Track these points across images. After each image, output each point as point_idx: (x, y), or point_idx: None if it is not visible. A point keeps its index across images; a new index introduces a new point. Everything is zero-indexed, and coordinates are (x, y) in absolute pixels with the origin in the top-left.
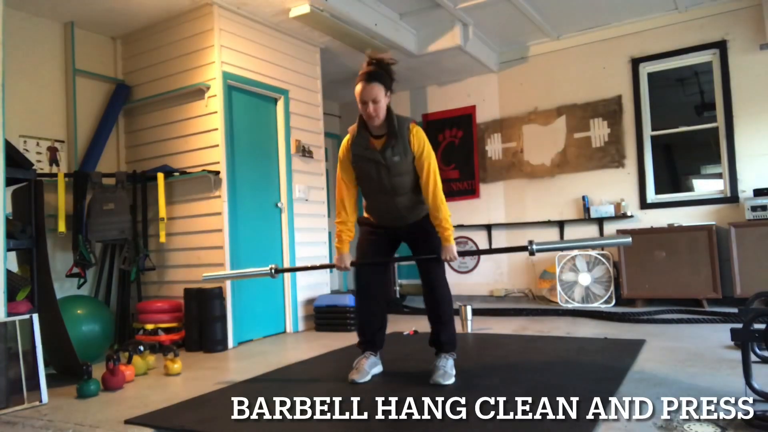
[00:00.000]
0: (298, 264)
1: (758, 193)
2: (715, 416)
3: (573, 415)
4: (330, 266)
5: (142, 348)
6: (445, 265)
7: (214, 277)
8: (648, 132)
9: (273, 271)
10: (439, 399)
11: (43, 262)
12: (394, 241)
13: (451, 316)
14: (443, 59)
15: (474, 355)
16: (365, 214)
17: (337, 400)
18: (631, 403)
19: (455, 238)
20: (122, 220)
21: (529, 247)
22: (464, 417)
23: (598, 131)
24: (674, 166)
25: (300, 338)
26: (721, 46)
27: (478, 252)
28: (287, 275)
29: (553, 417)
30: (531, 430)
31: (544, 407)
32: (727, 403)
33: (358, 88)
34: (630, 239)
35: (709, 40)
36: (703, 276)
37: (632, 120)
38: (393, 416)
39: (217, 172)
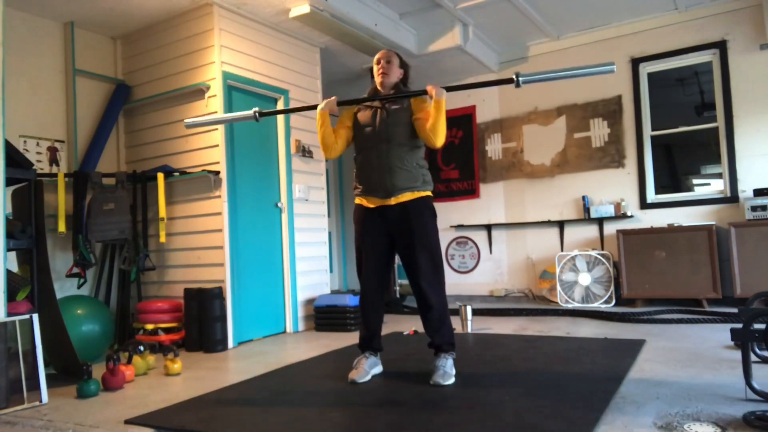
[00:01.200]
0: (299, 264)
1: (758, 193)
2: (715, 416)
3: (573, 415)
4: (313, 107)
5: (142, 348)
6: (439, 267)
7: (197, 124)
8: (648, 132)
9: (257, 114)
10: (439, 399)
11: (43, 262)
12: (390, 239)
13: (444, 320)
14: (443, 59)
15: (474, 355)
16: (356, 185)
17: (337, 400)
18: (631, 403)
19: (455, 238)
20: (122, 220)
21: (515, 79)
22: (464, 417)
23: (598, 131)
24: (674, 166)
25: (300, 338)
26: (721, 46)
27: (467, 87)
28: (287, 276)
29: (553, 417)
30: (531, 430)
31: (544, 407)
32: (727, 403)
33: (378, 53)
34: (614, 66)
35: (709, 40)
36: (703, 276)
37: (632, 120)
38: (393, 416)
39: (217, 172)
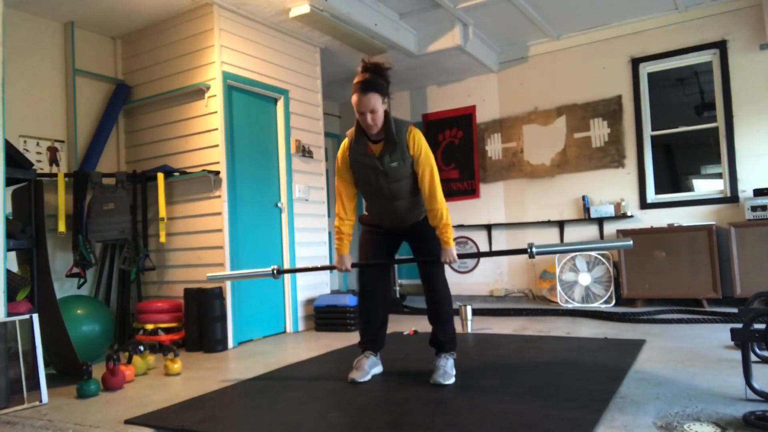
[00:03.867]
0: (299, 264)
1: (758, 193)
2: (715, 416)
3: (573, 415)
4: (331, 267)
5: (142, 348)
6: (444, 265)
7: (218, 278)
8: (648, 132)
9: (275, 272)
10: (439, 399)
11: (43, 262)
12: (395, 241)
13: (451, 316)
14: (443, 59)
15: (474, 355)
16: (366, 212)
17: (337, 400)
18: (631, 403)
19: (455, 238)
20: (122, 220)
21: (528, 250)
22: (464, 417)
23: (598, 131)
24: (674, 166)
25: (300, 338)
26: (721, 46)
27: (479, 255)
28: (287, 276)
29: (553, 417)
30: (531, 430)
31: (544, 407)
32: (727, 403)
33: (354, 99)
34: (631, 242)
35: (709, 40)
36: (703, 276)
37: (632, 120)
38: (393, 416)
39: (217, 172)
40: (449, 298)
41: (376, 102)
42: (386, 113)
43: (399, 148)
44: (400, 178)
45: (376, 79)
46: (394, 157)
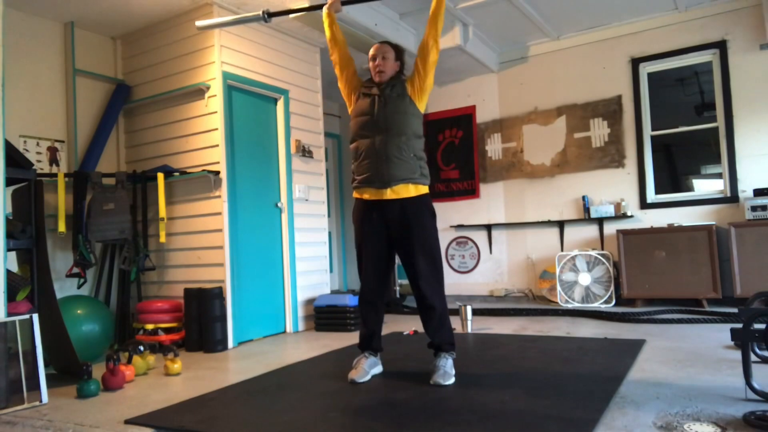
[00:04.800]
0: (299, 264)
1: (758, 193)
2: (715, 416)
3: (573, 415)
4: (318, 7)
5: (142, 348)
6: (438, 268)
7: (208, 25)
8: (648, 132)
9: (265, 14)
10: (439, 399)
11: (43, 262)
12: (389, 239)
13: (445, 320)
14: (443, 59)
15: (474, 355)
16: (353, 177)
17: (337, 400)
18: (631, 403)
19: (455, 238)
20: (122, 220)
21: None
22: (464, 417)
23: (598, 131)
24: (674, 166)
25: (300, 338)
26: (721, 46)
27: None
28: (287, 276)
29: (553, 417)
30: (531, 430)
31: (544, 407)
32: (727, 403)
33: (371, 50)
34: None
35: (709, 40)
36: (703, 276)
37: (632, 120)
38: (393, 416)
39: (217, 172)
40: (444, 305)
41: (389, 51)
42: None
43: (400, 85)
44: (396, 111)
45: (395, 45)
46: (395, 90)
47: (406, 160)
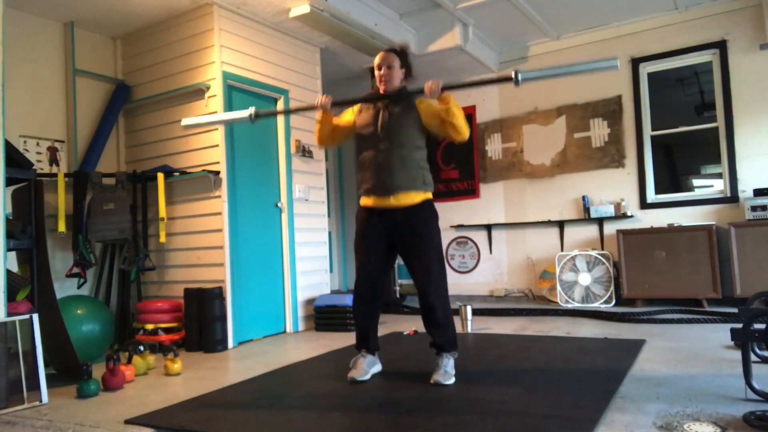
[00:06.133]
0: (299, 264)
1: (758, 193)
2: (715, 416)
3: (573, 415)
4: (311, 108)
5: (142, 348)
6: (442, 269)
7: (194, 124)
8: (648, 132)
9: (252, 116)
10: (440, 399)
11: (43, 262)
12: (390, 240)
13: (449, 320)
14: (443, 59)
15: (474, 355)
16: (359, 185)
17: (337, 400)
18: (631, 403)
19: (455, 238)
20: (122, 220)
21: (514, 78)
22: (464, 416)
23: (598, 131)
24: (674, 166)
25: (300, 338)
26: (721, 46)
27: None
28: (287, 276)
29: (553, 417)
30: (531, 429)
31: (544, 407)
32: (727, 403)
33: (376, 58)
34: (616, 63)
35: (709, 40)
36: (703, 276)
37: (632, 120)
38: (393, 416)
39: (217, 172)
40: (447, 306)
41: (394, 61)
42: (402, 87)
43: (406, 101)
44: (399, 123)
45: (399, 51)
46: (400, 105)
47: (408, 169)
